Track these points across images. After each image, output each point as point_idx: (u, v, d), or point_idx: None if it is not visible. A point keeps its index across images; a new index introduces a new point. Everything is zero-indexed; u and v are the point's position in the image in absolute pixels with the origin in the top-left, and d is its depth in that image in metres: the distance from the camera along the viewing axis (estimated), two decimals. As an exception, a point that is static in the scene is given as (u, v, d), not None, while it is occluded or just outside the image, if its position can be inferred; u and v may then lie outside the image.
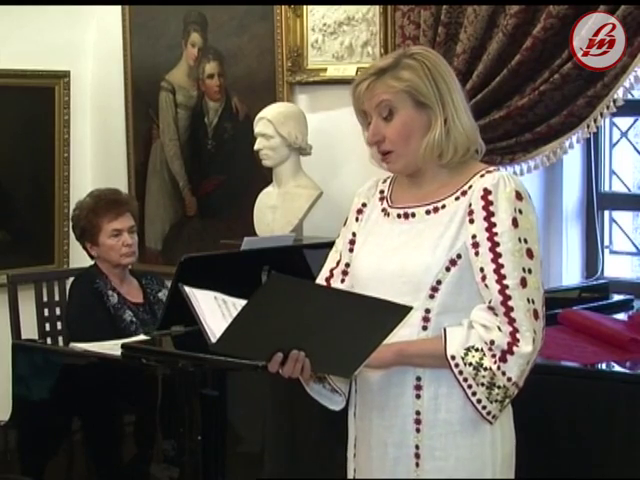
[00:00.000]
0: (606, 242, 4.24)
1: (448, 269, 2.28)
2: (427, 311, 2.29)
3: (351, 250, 2.45)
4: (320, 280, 2.48)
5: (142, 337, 3.52)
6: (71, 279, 4.65)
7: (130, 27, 4.99)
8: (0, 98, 4.78)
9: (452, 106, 2.33)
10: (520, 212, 2.28)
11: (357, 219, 2.47)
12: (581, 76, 3.55)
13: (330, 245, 2.54)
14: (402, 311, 2.17)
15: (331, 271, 2.48)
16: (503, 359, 2.23)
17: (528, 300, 2.24)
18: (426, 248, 2.30)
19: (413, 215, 2.36)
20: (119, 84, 5.08)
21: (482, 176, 2.32)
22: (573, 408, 2.91)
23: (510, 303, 2.23)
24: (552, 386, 2.86)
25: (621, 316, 3.55)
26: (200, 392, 3.04)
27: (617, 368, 3.06)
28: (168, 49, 4.88)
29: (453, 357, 2.25)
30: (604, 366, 3.09)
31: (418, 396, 2.32)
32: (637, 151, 4.19)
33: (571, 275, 4.19)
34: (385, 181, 2.49)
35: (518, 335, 2.23)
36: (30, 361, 3.63)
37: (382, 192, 2.47)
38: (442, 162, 2.34)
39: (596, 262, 4.20)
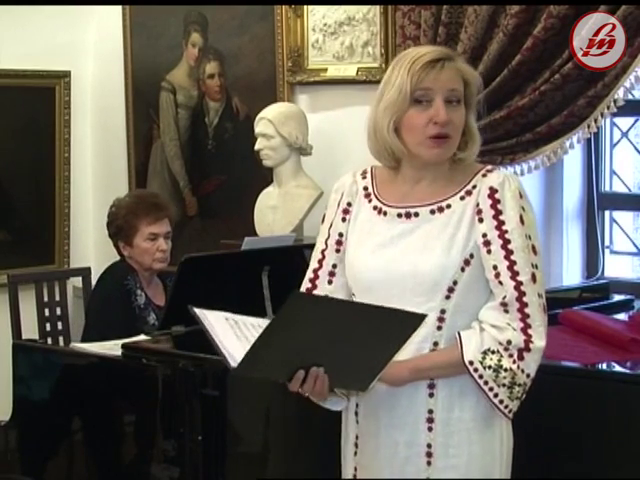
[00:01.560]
0: (606, 242, 4.23)
1: (463, 269, 2.29)
2: (442, 312, 2.30)
3: (337, 251, 2.42)
4: (305, 283, 2.45)
5: (142, 337, 3.52)
6: (72, 279, 4.67)
7: (130, 27, 5.00)
8: (0, 98, 4.79)
9: (477, 109, 2.38)
10: (524, 209, 2.31)
11: (344, 219, 2.42)
12: (581, 76, 3.55)
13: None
14: (417, 319, 2.18)
15: (315, 272, 2.44)
16: (521, 357, 2.26)
17: (539, 295, 2.29)
18: (439, 249, 2.30)
19: (416, 215, 2.35)
20: (119, 84, 5.08)
21: (484, 175, 2.34)
22: (573, 408, 2.90)
23: (525, 299, 2.26)
24: (552, 386, 2.85)
25: (621, 316, 3.54)
26: (200, 392, 3.04)
27: (617, 368, 3.05)
28: (168, 49, 4.88)
29: (471, 362, 2.27)
30: (604, 366, 3.09)
31: (431, 395, 2.33)
32: (637, 151, 4.18)
33: (571, 275, 4.19)
34: (365, 177, 2.45)
35: (530, 330, 2.26)
36: (30, 361, 3.62)
37: (366, 189, 2.43)
38: (454, 158, 2.35)
39: (596, 262, 4.20)
